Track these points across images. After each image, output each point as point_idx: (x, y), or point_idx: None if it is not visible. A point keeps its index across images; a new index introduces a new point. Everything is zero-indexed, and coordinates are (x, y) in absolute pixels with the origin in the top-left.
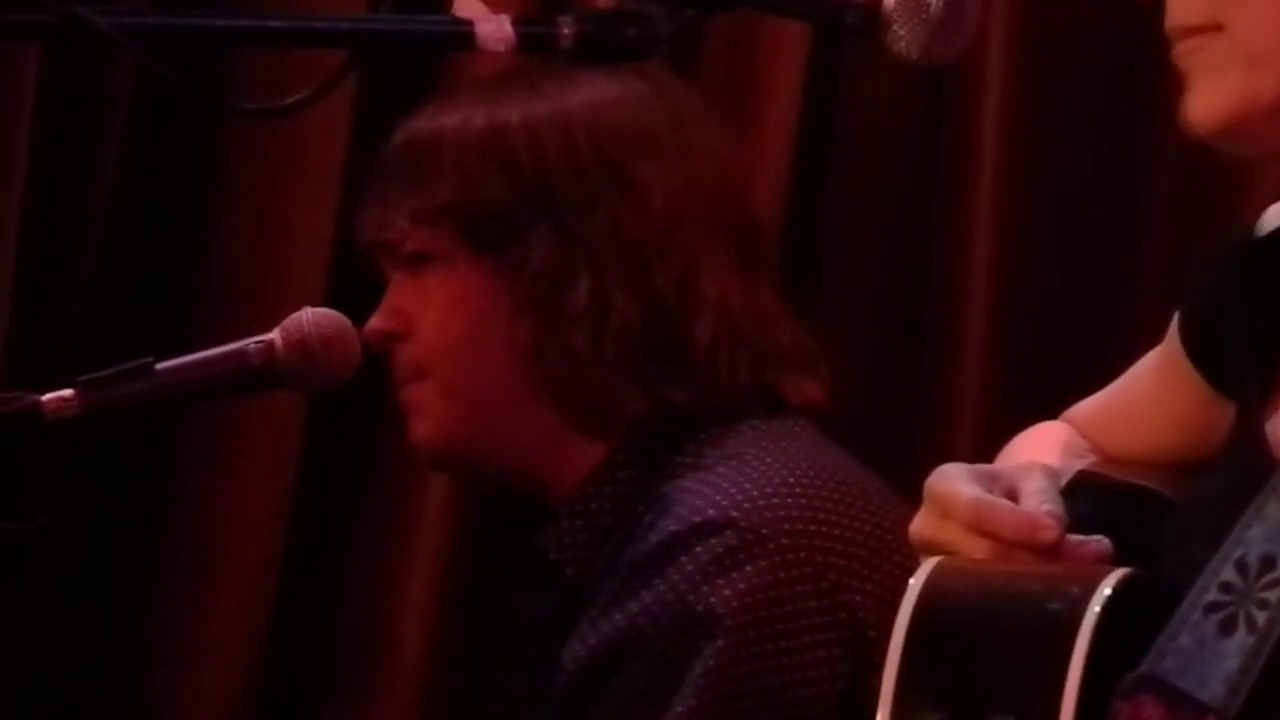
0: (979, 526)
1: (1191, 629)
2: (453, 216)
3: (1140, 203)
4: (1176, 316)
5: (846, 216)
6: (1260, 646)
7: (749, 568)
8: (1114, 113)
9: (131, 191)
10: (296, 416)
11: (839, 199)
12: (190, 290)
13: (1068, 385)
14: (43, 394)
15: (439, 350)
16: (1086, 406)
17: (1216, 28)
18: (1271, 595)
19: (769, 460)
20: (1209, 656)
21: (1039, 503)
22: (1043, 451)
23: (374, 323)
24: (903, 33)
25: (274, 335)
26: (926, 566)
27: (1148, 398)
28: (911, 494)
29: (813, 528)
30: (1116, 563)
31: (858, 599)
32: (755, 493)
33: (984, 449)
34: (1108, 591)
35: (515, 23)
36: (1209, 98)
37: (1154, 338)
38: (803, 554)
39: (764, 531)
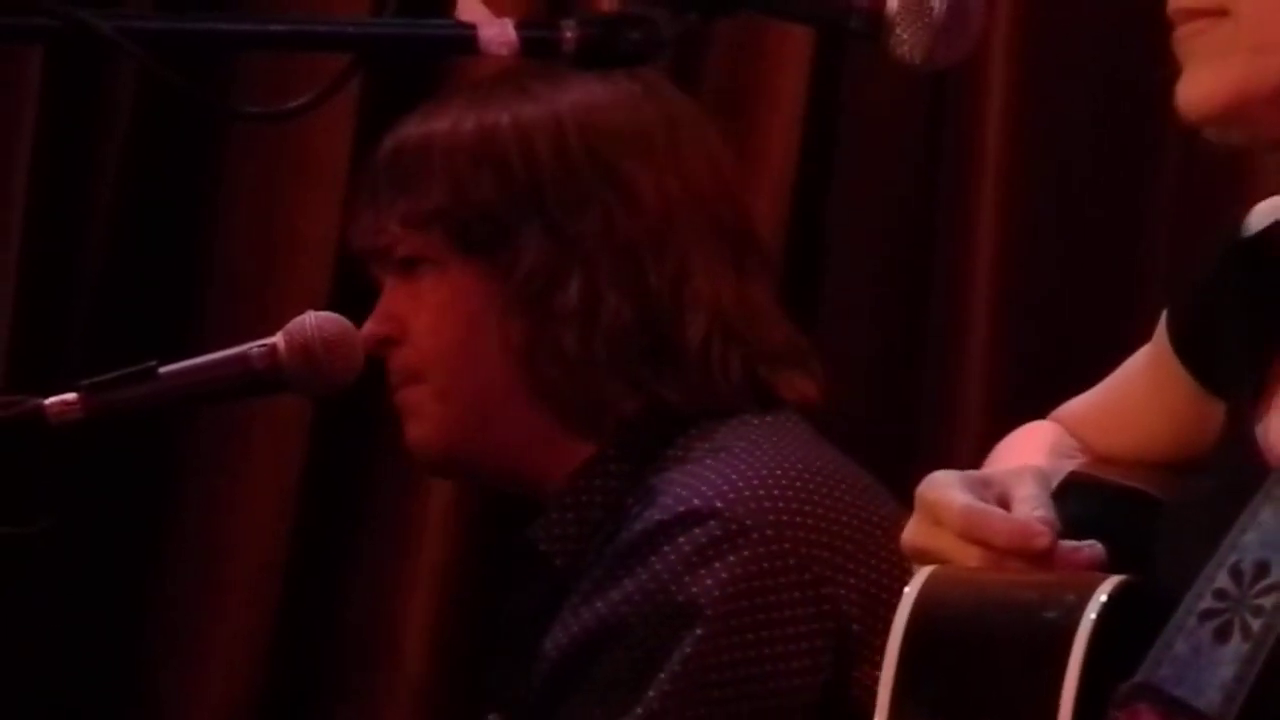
0: (971, 534)
1: (1187, 636)
2: (444, 220)
3: (1142, 205)
4: (1164, 315)
5: (850, 219)
6: (1255, 653)
7: (731, 558)
8: (1116, 115)
9: (134, 195)
10: (300, 420)
11: (842, 202)
12: (193, 294)
13: (1070, 387)
14: (46, 397)
15: (432, 354)
16: (1076, 405)
17: (1221, 13)
18: (1266, 602)
19: (757, 453)
20: (1204, 664)
21: (1031, 509)
22: (1032, 452)
23: (368, 328)
24: (905, 36)
25: (277, 339)
26: (920, 576)
27: (1137, 396)
28: (913, 497)
29: (798, 519)
30: (1109, 566)
31: (842, 592)
32: (741, 484)
33: (987, 451)
34: (1103, 599)
35: (518, 26)
36: (1210, 83)
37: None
38: (787, 545)
39: (748, 522)
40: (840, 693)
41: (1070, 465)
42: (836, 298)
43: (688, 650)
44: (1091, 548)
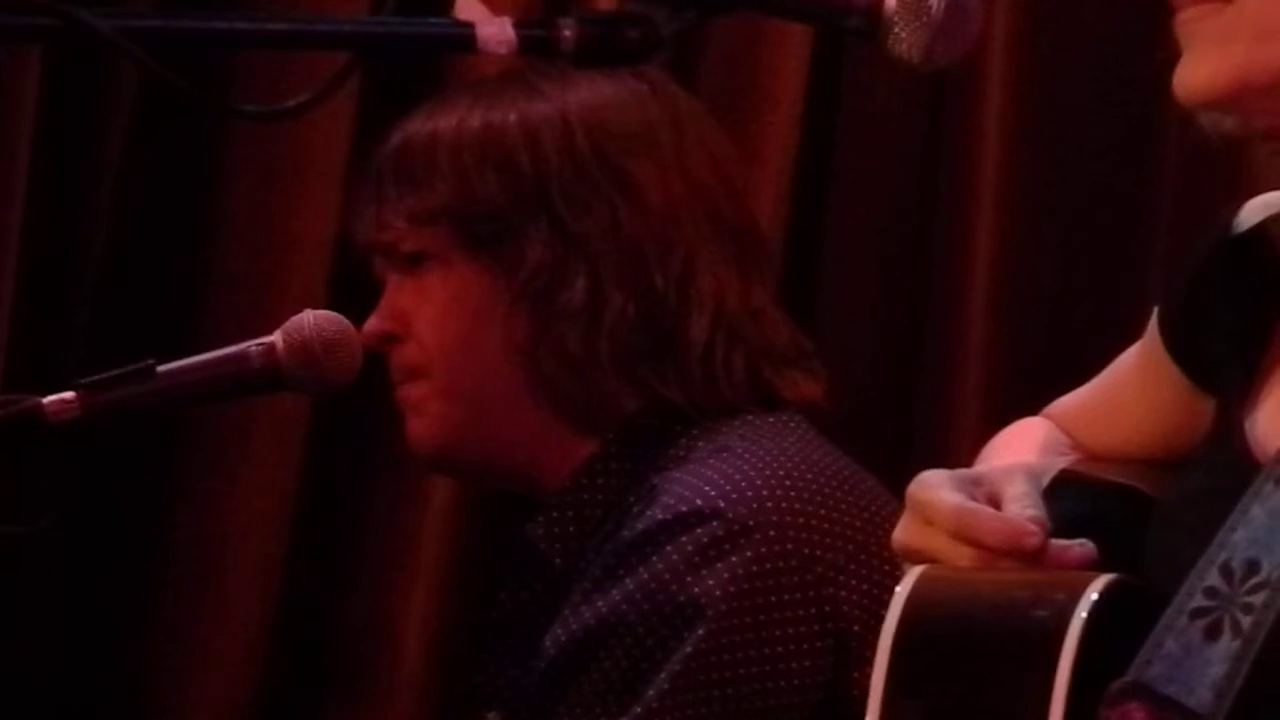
0: (962, 534)
1: (1177, 635)
2: (450, 217)
3: (1142, 204)
4: (1156, 311)
5: (848, 218)
6: (1246, 651)
7: (734, 558)
8: (1114, 114)
9: (134, 193)
10: (300, 420)
11: (840, 201)
12: (192, 292)
13: (1068, 385)
14: (44, 396)
15: (436, 350)
16: (1067, 402)
17: None
18: (1256, 599)
19: (759, 453)
20: (1195, 662)
21: (1022, 509)
22: (1024, 449)
23: (371, 324)
24: (904, 35)
25: (275, 337)
26: (911, 576)
27: (1128, 393)
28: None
29: (800, 520)
30: (1101, 564)
31: (843, 593)
32: (744, 484)
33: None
34: (1094, 598)
35: (517, 25)
36: (1211, 67)
37: None
38: (789, 546)
39: (750, 523)
40: (840, 693)
41: (1062, 462)
42: (834, 296)
43: (688, 650)
44: (1082, 546)
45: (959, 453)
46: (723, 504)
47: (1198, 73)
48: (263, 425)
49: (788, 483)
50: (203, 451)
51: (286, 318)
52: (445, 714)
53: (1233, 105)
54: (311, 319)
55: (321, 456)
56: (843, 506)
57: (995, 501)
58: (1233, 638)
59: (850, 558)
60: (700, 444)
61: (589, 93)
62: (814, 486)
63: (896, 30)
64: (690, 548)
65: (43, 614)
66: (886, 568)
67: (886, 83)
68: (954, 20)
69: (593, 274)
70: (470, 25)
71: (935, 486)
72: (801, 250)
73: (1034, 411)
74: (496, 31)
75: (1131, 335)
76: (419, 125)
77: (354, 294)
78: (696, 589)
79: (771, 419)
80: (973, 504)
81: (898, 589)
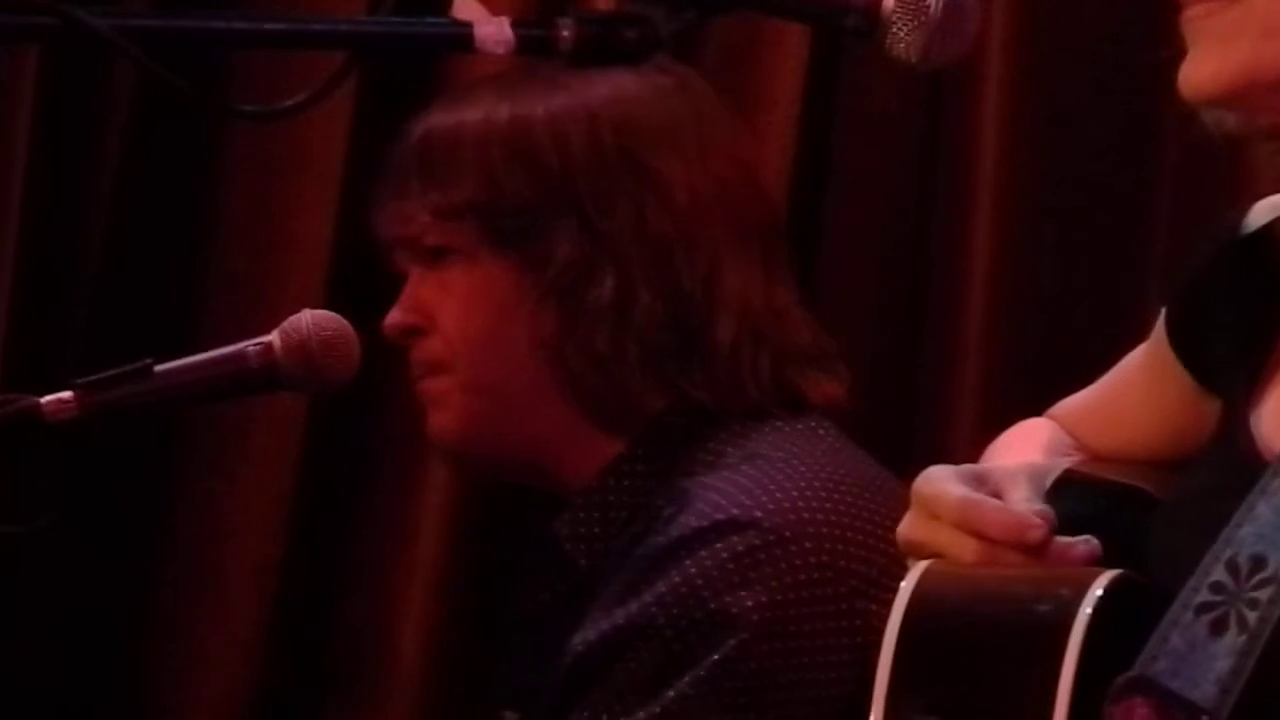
0: (967, 525)
1: (1183, 630)
2: (476, 212)
3: (1141, 204)
4: (1163, 312)
5: (846, 218)
6: (1251, 646)
7: (768, 569)
8: (1113, 112)
9: (131, 193)
10: (298, 420)
11: (838, 200)
12: (189, 292)
13: (1066, 384)
14: (42, 396)
15: (459, 345)
16: (1072, 403)
17: None
18: (1262, 595)
19: (794, 463)
20: (1200, 657)
21: (1027, 504)
22: (1028, 450)
23: (394, 317)
24: (902, 35)
25: (273, 337)
26: (916, 571)
27: (1133, 394)
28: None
29: (836, 532)
30: (1105, 563)
31: (873, 607)
32: (779, 494)
33: (981, 449)
34: (1098, 593)
35: (514, 25)
36: (1216, 64)
37: None
38: (824, 558)
39: (787, 534)
40: (860, 706)
41: (1066, 463)
42: (832, 296)
43: (716, 657)
44: (1087, 543)
45: (957, 452)
46: (759, 514)
47: (1203, 69)
48: (261, 425)
49: (823, 494)
50: (201, 451)
51: (284, 317)
52: (443, 713)
53: (1237, 102)
54: (309, 318)
55: (320, 456)
56: (875, 519)
57: (999, 499)
58: (1238, 633)
59: (883, 571)
60: (729, 449)
61: (615, 88)
62: (849, 499)
63: (895, 30)
64: (725, 555)
65: (41, 614)
66: None
67: (885, 83)
68: (952, 20)
69: (621, 272)
70: (468, 25)
71: (941, 480)
72: (800, 250)
73: (1032, 411)
74: (494, 31)
75: (1130, 335)
76: (443, 118)
77: (352, 293)
78: (729, 600)
79: (800, 424)
80: (978, 495)
81: (902, 584)
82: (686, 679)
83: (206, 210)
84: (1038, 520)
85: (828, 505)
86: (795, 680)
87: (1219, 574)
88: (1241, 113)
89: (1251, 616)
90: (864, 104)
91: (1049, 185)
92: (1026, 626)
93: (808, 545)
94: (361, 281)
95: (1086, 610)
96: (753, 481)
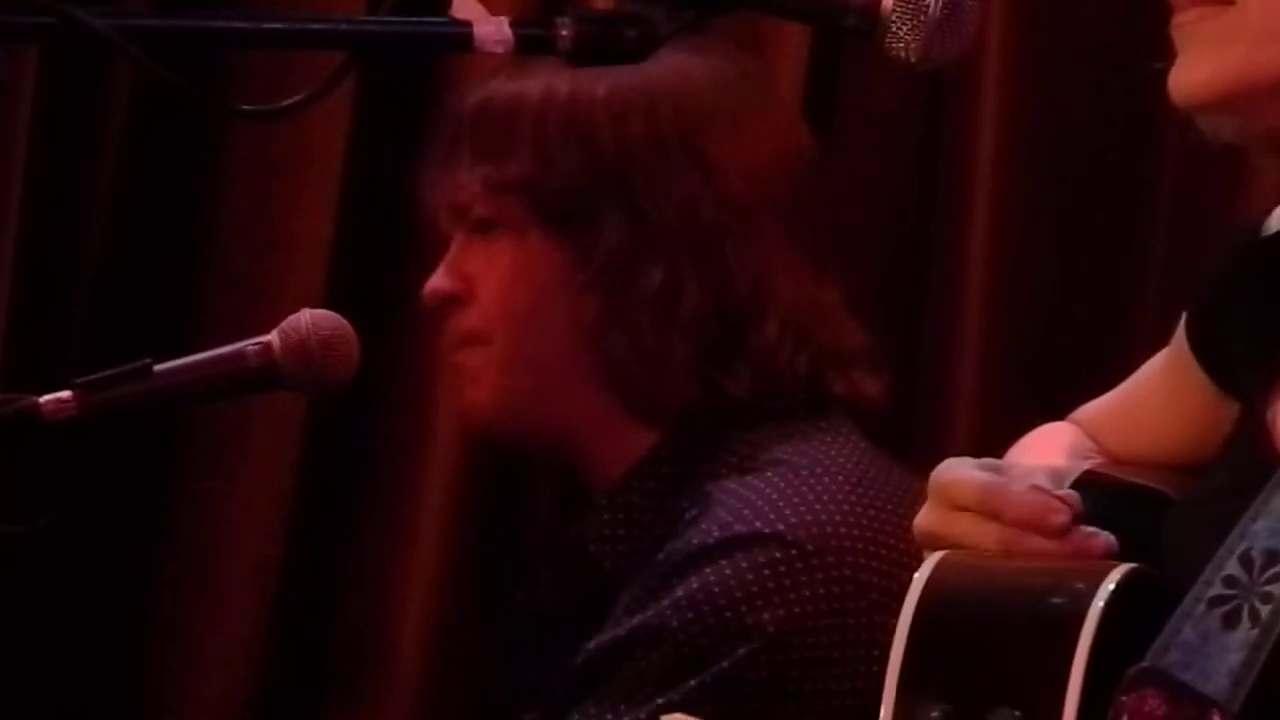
0: (989, 507)
1: (1195, 623)
2: (528, 189)
3: (1141, 204)
4: (1184, 317)
5: (845, 219)
6: (1263, 640)
7: (788, 583)
8: (1112, 113)
9: (131, 193)
10: (297, 420)
11: (838, 201)
12: (189, 291)
13: (1065, 388)
14: (41, 395)
15: (499, 318)
16: (1094, 408)
17: (1226, 1)
18: (1275, 589)
19: (818, 471)
20: (1212, 650)
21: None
22: (1050, 452)
23: (437, 282)
24: (901, 34)
25: (272, 337)
26: (931, 561)
27: (1155, 399)
28: None
29: (859, 546)
30: (1123, 560)
31: (892, 621)
32: (802, 506)
33: (981, 452)
34: (1111, 586)
35: (513, 24)
36: (1210, 69)
37: (1152, 340)
38: (846, 572)
39: (809, 548)
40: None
41: (1086, 465)
42: None
43: (725, 665)
44: (1106, 536)
45: (956, 452)
46: (782, 527)
47: (1195, 75)
48: (260, 425)
49: (845, 507)
50: (200, 451)
51: (284, 317)
52: (442, 713)
53: (1231, 108)
54: (308, 318)
55: (319, 456)
56: (897, 531)
57: None
58: (1251, 626)
59: (903, 586)
60: (758, 453)
61: (678, 73)
62: (871, 511)
63: (894, 30)
64: (745, 567)
65: (40, 614)
66: None
67: (885, 83)
68: (951, 19)
69: (670, 264)
70: (467, 24)
71: (961, 467)
72: None
73: (1031, 411)
74: (493, 30)
75: (1129, 337)
76: (503, 86)
77: (352, 293)
78: (746, 611)
79: (825, 426)
80: (1001, 479)
81: (916, 574)
82: (694, 682)
83: (206, 210)
84: (1061, 504)
85: (850, 519)
86: (808, 691)
87: (1232, 568)
88: (1236, 118)
89: (1264, 610)
90: (864, 104)
91: (1048, 185)
92: (1040, 617)
93: (829, 560)
94: (361, 281)
95: (1099, 603)
96: (776, 491)
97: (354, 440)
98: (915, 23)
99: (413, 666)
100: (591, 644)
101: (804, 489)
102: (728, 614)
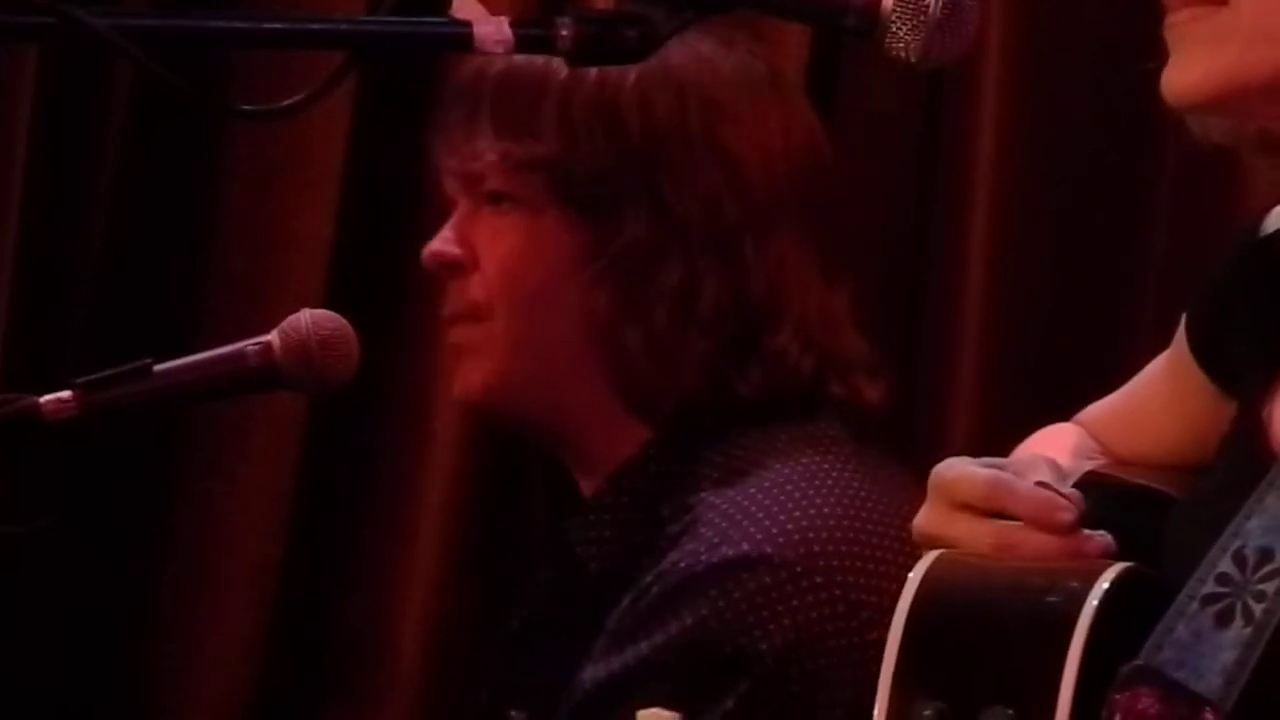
0: (995, 503)
1: (1188, 621)
2: (552, 170)
3: (1140, 204)
4: (1184, 318)
5: (845, 219)
6: (1257, 638)
7: (780, 607)
8: (1111, 114)
9: (131, 193)
10: (297, 420)
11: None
12: (189, 291)
13: (1065, 388)
14: (41, 395)
15: (502, 293)
16: (1097, 409)
17: (1219, 1)
18: (1269, 587)
19: (802, 485)
20: (1206, 648)
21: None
22: (1053, 453)
23: (440, 245)
24: (901, 34)
25: (272, 336)
26: (926, 560)
27: (1157, 401)
28: None
29: (847, 563)
30: (1121, 560)
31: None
32: (789, 525)
33: (981, 452)
34: (1106, 585)
35: (513, 24)
36: (1203, 69)
37: (1152, 341)
38: (837, 591)
39: (799, 569)
40: None
41: (1089, 465)
42: None
43: (730, 704)
44: (1103, 537)
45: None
46: (769, 549)
47: (1188, 75)
48: (260, 425)
49: (832, 522)
50: (200, 451)
51: (284, 317)
52: (441, 713)
53: (1224, 108)
54: (308, 318)
55: (319, 456)
56: (886, 544)
57: None
58: (1244, 625)
59: (894, 599)
60: (742, 455)
61: (707, 66)
62: (859, 523)
63: (894, 29)
64: (737, 595)
65: (40, 614)
66: None
67: (884, 83)
68: (951, 19)
69: (690, 259)
70: (467, 24)
71: (963, 464)
72: None
73: (1028, 414)
74: (493, 30)
75: (1128, 339)
76: (528, 58)
77: (352, 293)
78: (744, 642)
79: (811, 428)
80: (1007, 475)
81: (911, 573)
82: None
83: (206, 210)
84: (1066, 502)
85: (838, 533)
86: (808, 715)
87: (1226, 566)
88: (1229, 119)
89: (1258, 608)
90: (864, 104)
91: (1048, 185)
92: (1034, 616)
93: (819, 580)
94: (361, 281)
95: (1094, 601)
96: (759, 508)
97: (354, 440)
98: (915, 23)
99: (413, 666)
100: (586, 675)
101: (789, 504)
102: (727, 649)
